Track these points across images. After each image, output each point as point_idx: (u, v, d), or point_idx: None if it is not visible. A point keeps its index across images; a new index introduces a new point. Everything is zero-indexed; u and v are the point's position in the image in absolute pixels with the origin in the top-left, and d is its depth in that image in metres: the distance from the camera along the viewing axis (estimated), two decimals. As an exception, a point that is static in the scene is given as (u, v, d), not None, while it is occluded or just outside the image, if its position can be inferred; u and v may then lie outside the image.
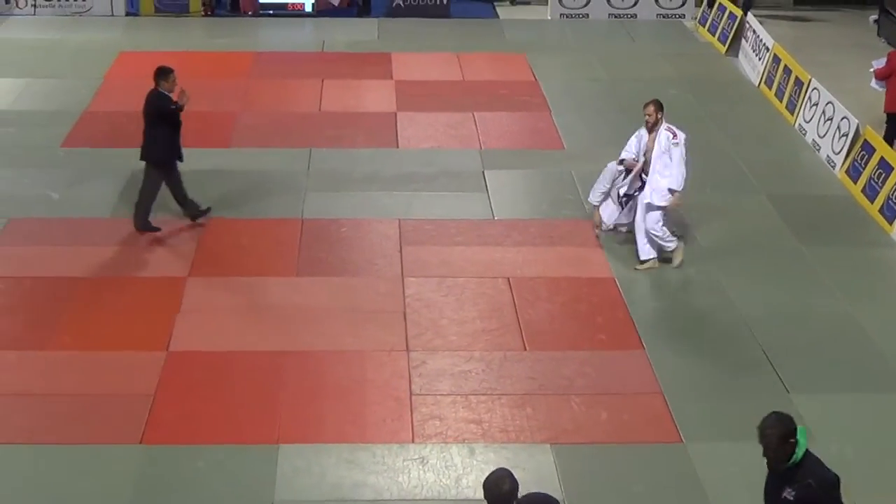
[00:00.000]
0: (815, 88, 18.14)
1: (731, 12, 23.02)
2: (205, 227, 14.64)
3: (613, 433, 10.79)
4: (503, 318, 12.73)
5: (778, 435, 7.53)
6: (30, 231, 14.59)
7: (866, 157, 15.97)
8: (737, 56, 22.25)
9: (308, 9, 24.96)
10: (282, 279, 13.54)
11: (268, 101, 19.49)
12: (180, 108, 14.08)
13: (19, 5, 24.47)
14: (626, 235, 14.21)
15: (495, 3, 26.22)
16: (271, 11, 24.92)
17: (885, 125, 16.93)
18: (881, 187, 15.33)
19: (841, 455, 10.31)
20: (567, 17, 25.24)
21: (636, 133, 13.83)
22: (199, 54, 21.77)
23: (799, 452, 7.56)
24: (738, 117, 19.13)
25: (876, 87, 17.15)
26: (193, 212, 14.65)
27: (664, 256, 13.80)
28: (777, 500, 7.64)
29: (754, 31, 21.60)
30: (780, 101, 19.32)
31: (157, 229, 14.44)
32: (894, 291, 13.66)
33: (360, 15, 25.23)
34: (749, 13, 22.59)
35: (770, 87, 19.96)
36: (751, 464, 8.70)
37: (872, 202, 15.44)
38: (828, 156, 17.11)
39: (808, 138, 17.91)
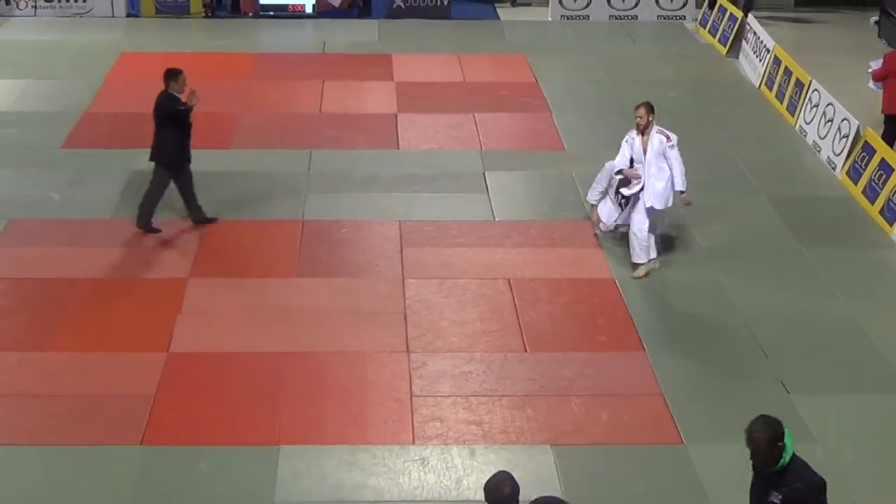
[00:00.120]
0: (815, 90, 18.14)
1: (731, 14, 23.01)
2: (206, 229, 14.65)
3: (614, 434, 10.79)
4: (504, 319, 12.73)
5: (766, 438, 7.51)
6: (30, 232, 14.59)
7: (867, 158, 15.97)
8: (737, 57, 22.24)
9: (308, 10, 24.95)
10: (282, 280, 13.54)
11: (268, 103, 19.47)
12: (189, 109, 14.08)
13: (20, 6, 24.47)
14: (625, 236, 14.20)
15: (496, 5, 26.20)
16: (272, 13, 24.91)
17: (883, 126, 16.93)
18: (881, 188, 15.34)
19: (841, 456, 10.34)
20: (568, 18, 25.21)
21: (626, 138, 13.65)
22: (200, 55, 21.74)
23: (786, 456, 7.54)
24: (738, 119, 19.11)
25: (873, 87, 17.17)
26: (199, 217, 14.64)
27: (634, 263, 13.68)
28: (763, 504, 7.61)
29: (755, 33, 21.59)
30: (781, 103, 19.32)
31: (158, 231, 14.44)
32: (894, 292, 13.67)
33: (360, 16, 25.22)
34: (750, 15, 22.57)
35: (771, 89, 19.96)
36: (751, 465, 8.69)
37: (873, 203, 15.44)
38: (828, 157, 17.11)
39: (809, 140, 17.91)
